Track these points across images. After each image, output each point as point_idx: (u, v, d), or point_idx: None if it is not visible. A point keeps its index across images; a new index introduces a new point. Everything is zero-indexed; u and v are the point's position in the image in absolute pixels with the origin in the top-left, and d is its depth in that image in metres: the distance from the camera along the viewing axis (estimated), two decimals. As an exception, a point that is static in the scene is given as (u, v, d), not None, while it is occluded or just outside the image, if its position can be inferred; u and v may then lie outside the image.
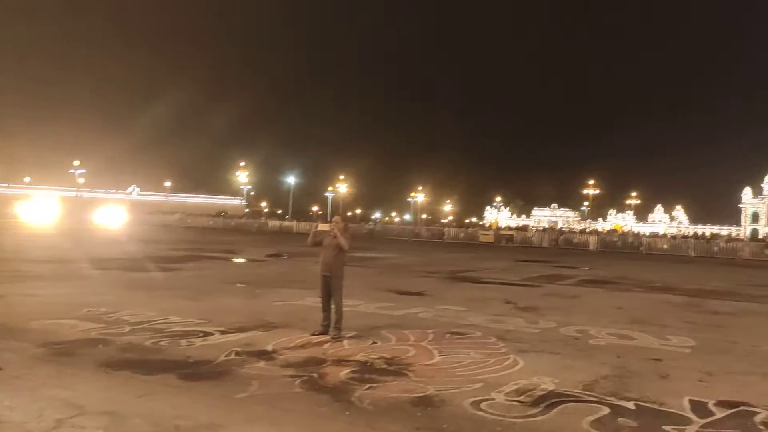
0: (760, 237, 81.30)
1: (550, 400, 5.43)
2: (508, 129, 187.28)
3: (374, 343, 7.64)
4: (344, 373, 6.13)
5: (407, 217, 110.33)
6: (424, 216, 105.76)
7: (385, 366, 6.48)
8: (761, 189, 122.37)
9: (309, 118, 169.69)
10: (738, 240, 57.44)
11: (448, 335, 8.27)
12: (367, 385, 5.70)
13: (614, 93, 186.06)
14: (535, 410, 5.17)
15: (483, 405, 5.23)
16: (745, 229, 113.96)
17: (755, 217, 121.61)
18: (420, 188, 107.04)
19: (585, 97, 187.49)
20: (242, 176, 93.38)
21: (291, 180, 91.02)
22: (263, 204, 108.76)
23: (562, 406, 5.31)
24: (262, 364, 6.41)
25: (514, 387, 5.81)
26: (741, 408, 5.48)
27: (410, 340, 7.82)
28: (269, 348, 7.11)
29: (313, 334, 7.83)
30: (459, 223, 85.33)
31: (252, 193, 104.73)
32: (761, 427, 5.01)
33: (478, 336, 8.34)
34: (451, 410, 5.11)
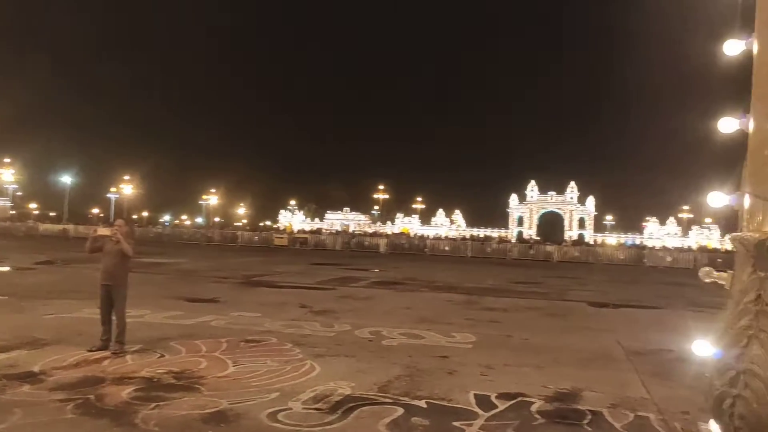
0: (525, 238, 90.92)
1: (347, 405, 5.42)
2: (302, 132, 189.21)
3: (162, 356, 7.10)
4: (127, 392, 5.58)
5: (199, 220, 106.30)
6: (217, 219, 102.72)
7: (173, 381, 6.03)
8: (525, 195, 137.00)
9: (90, 111, 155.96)
10: (507, 241, 63.71)
11: (243, 343, 7.96)
12: (154, 404, 5.23)
13: (396, 101, 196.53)
14: (332, 417, 5.11)
15: (280, 416, 5.05)
16: (512, 232, 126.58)
17: (521, 221, 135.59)
18: (213, 191, 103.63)
19: (375, 107, 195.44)
20: (7, 174, 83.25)
21: (67, 180, 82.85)
22: (33, 205, 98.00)
23: (358, 410, 5.32)
24: (26, 388, 5.61)
25: (312, 394, 5.72)
26: (519, 399, 5.92)
27: (202, 351, 7.39)
28: (36, 369, 6.26)
29: (90, 350, 7.08)
30: (253, 226, 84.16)
31: (19, 194, 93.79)
32: (537, 416, 5.45)
33: (274, 343, 8.14)
34: (247, 424, 4.86)
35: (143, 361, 6.78)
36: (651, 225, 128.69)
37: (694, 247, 78.53)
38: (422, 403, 5.61)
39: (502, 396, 5.97)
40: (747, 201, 2.15)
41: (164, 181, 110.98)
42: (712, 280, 2.45)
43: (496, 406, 5.65)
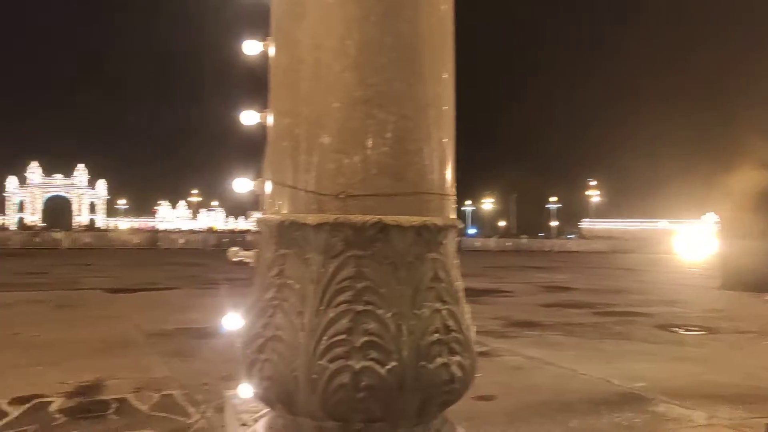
0: (29, 225, 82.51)
1: None
2: None
3: None
4: None
5: None
6: None
7: None
8: (26, 178, 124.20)
9: None
10: (6, 229, 56.70)
11: None
12: None
13: None
14: None
15: None
16: (12, 218, 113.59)
17: (21, 206, 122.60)
18: None
19: None
20: None
21: None
22: None
23: None
24: None
25: None
26: (35, 401, 5.40)
27: None
28: None
29: None
30: None
31: None
32: (57, 416, 5.07)
33: None
34: None
35: None
36: (163, 208, 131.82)
37: (204, 228, 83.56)
38: None
39: (15, 401, 5.36)
40: (268, 187, 2.42)
41: None
42: (239, 259, 2.69)
43: (7, 414, 5.04)
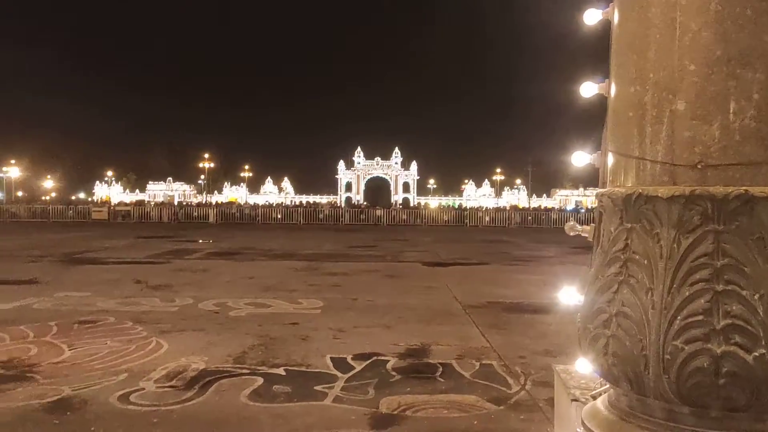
0: (355, 203, 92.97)
1: (204, 380, 5.24)
2: (116, 100, 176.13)
3: (-19, 346, 6.37)
4: (-54, 388, 4.95)
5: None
6: (20, 194, 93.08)
7: (2, 371, 5.44)
8: (353, 162, 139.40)
9: None
10: (339, 207, 64.73)
11: (77, 325, 7.37)
12: (-18, 399, 4.70)
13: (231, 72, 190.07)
14: (190, 393, 4.92)
15: (133, 397, 4.77)
16: (341, 197, 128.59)
17: (349, 186, 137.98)
18: (13, 162, 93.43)
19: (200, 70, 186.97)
20: None
21: None
22: None
23: (216, 383, 5.16)
24: None
25: (164, 372, 5.45)
26: (374, 358, 6.09)
27: (29, 337, 6.73)
28: None
29: None
30: (65, 200, 77.50)
31: None
32: (393, 373, 5.65)
33: (112, 322, 7.62)
34: (97, 410, 4.53)
35: (-41, 353, 6.04)
36: (468, 187, 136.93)
37: (508, 206, 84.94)
38: (281, 371, 5.58)
39: (358, 357, 6.11)
40: (610, 159, 2.33)
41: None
42: (576, 233, 2.65)
43: (353, 368, 5.77)
